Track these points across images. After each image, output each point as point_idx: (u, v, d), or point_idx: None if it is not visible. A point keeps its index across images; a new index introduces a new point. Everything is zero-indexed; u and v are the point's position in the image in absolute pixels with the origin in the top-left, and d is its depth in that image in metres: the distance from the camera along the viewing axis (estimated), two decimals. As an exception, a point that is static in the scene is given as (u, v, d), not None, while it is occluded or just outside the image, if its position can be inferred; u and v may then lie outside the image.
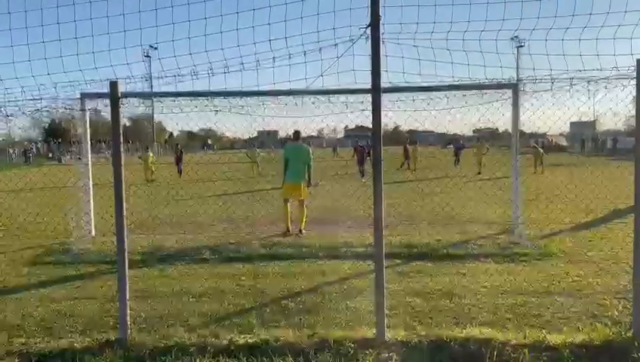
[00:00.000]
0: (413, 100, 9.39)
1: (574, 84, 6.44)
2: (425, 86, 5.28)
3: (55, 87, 5.26)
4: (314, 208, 12.43)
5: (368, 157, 33.46)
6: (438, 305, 5.87)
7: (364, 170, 24.27)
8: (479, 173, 25.69)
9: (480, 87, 8.75)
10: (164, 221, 12.12)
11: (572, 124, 68.83)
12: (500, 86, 9.56)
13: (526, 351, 4.31)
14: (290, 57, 4.74)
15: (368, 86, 4.52)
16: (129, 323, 4.85)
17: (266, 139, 61.88)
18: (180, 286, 6.78)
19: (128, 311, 4.83)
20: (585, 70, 5.93)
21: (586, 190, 11.72)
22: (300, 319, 5.48)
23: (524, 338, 4.58)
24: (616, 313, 5.43)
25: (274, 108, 8.14)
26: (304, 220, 10.36)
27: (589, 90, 5.95)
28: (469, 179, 22.38)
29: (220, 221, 11.93)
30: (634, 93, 4.54)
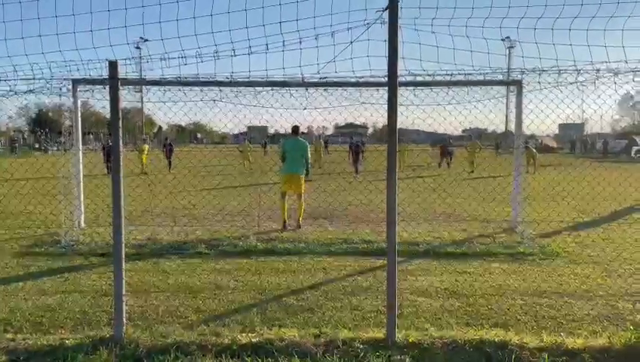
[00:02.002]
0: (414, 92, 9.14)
1: (581, 73, 6.16)
2: (448, 80, 5.05)
3: (50, 67, 4.93)
4: (310, 203, 12.19)
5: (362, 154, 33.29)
6: (446, 304, 5.66)
7: (357, 168, 24.18)
8: (472, 172, 25.62)
9: (486, 83, 8.58)
10: (158, 213, 11.80)
11: (560, 125, 69.31)
12: (503, 82, 9.42)
13: (545, 355, 4.11)
14: (300, 42, 4.47)
15: (382, 72, 4.29)
16: (125, 319, 4.57)
17: (256, 134, 61.33)
18: (176, 281, 6.51)
19: (124, 307, 4.55)
20: (593, 62, 5.73)
21: (580, 191, 11.61)
22: (304, 317, 5.24)
23: (542, 342, 4.37)
24: (632, 316, 5.25)
25: (278, 100, 7.78)
26: (302, 214, 10.31)
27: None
28: (462, 177, 22.25)
29: (214, 214, 11.64)
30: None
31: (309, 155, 10.56)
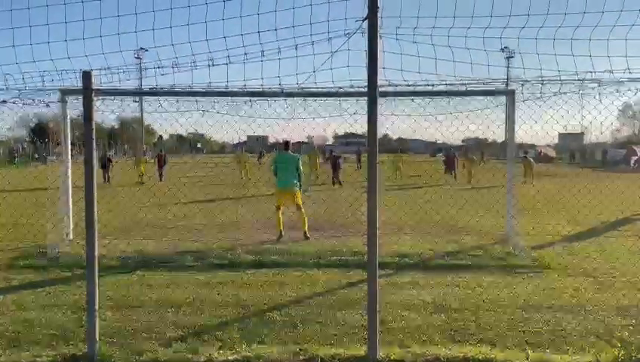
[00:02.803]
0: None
1: (565, 83, 6.05)
2: (428, 90, 4.96)
3: (23, 77, 4.85)
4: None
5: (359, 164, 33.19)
6: (433, 319, 5.52)
7: (335, 178, 24.14)
8: (469, 182, 25.49)
9: (473, 93, 8.47)
10: (148, 224, 11.68)
11: (560, 135, 69.36)
12: (494, 92, 9.31)
13: (530, 373, 3.99)
14: (280, 52, 4.39)
15: (363, 83, 4.19)
16: (98, 335, 4.45)
17: (255, 144, 61.36)
18: (159, 295, 6.38)
19: (97, 323, 4.42)
20: (578, 73, 5.65)
21: (576, 201, 11.55)
22: (286, 333, 5.11)
23: (527, 359, 4.25)
24: (621, 333, 5.11)
25: (265, 109, 7.70)
26: (306, 224, 10.21)
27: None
28: (458, 187, 22.15)
29: (205, 226, 11.53)
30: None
31: (302, 168, 10.50)
